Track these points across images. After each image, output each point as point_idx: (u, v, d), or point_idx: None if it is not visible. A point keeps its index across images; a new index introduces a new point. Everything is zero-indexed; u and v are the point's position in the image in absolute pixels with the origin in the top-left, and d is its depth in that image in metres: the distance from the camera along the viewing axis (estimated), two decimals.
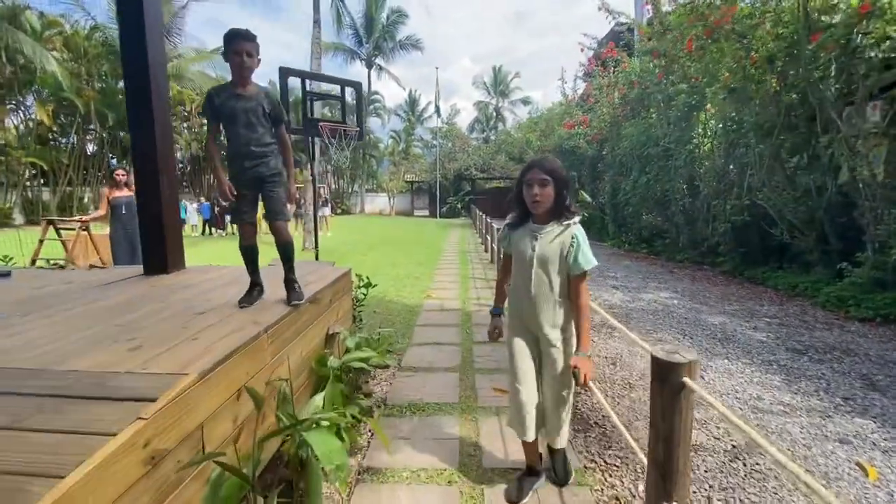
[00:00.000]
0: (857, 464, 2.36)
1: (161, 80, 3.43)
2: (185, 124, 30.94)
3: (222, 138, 2.60)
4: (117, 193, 6.40)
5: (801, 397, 3.14)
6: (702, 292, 6.58)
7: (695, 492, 2.15)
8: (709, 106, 8.60)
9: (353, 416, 2.72)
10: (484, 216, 13.21)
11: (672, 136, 9.23)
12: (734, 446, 2.52)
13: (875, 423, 2.78)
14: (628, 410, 2.99)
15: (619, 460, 2.42)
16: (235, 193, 2.49)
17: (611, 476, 2.29)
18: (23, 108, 22.82)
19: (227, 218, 17.84)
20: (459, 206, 29.89)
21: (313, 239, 12.04)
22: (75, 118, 23.50)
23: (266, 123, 2.51)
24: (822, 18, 6.17)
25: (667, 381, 1.39)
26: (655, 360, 1.45)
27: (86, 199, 23.05)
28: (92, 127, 24.70)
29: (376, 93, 36.89)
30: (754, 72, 6.80)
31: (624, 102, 11.63)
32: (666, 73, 9.11)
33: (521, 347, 2.08)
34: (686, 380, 1.33)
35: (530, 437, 2.05)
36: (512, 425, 2.13)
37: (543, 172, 1.89)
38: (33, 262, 5.72)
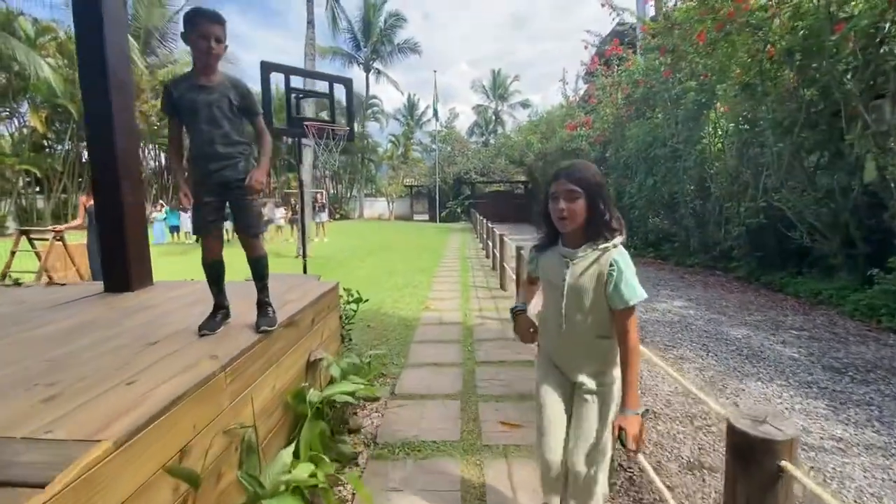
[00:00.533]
0: None
1: (122, 73, 3.06)
2: None
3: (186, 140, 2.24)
4: None
5: (854, 429, 2.73)
6: (718, 300, 6.17)
7: None
8: (719, 104, 8.22)
9: (336, 461, 2.32)
10: (484, 220, 12.83)
11: (680, 135, 8.84)
12: None
13: None
14: (657, 448, 2.58)
15: None
16: (195, 201, 2.13)
17: None
18: (17, 116, 22.53)
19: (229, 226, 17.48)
20: (459, 210, 29.51)
21: (305, 246, 11.71)
22: (70, 125, 23.21)
23: (234, 118, 2.14)
24: (844, 8, 5.81)
25: (754, 463, 0.99)
26: (736, 433, 1.04)
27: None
28: (85, 133, 24.38)
29: (374, 97, 36.62)
30: (770, 66, 6.42)
31: (628, 102, 11.25)
32: (673, 70, 8.73)
33: (550, 394, 1.69)
34: (785, 463, 0.93)
35: (554, 503, 1.66)
36: (541, 484, 1.75)
37: (571, 182, 1.47)
38: (3, 275, 5.33)
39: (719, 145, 8.53)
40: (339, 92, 5.12)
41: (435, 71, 31.39)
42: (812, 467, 2.35)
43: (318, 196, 21.12)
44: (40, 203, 22.91)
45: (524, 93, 66.73)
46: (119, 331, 2.25)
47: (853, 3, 5.76)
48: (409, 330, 4.92)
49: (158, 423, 1.41)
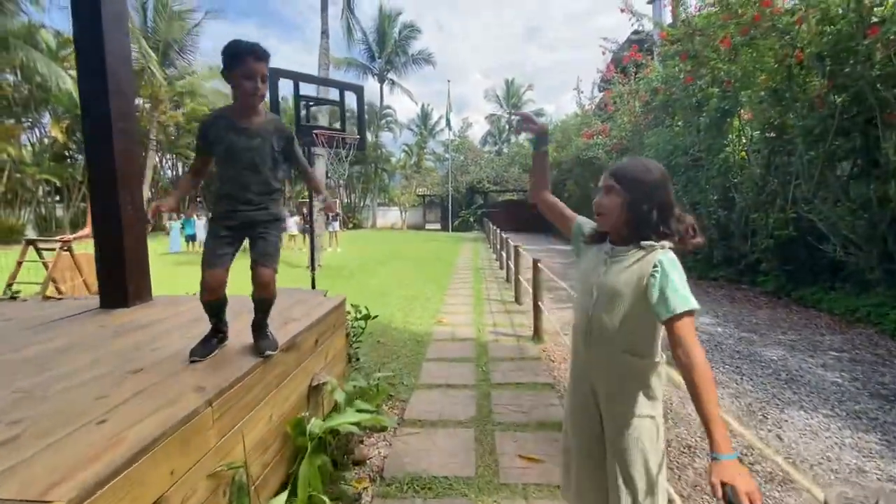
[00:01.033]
0: None
1: (123, 75, 2.93)
2: None
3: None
4: None
5: None
6: (747, 317, 5.84)
7: None
8: (743, 111, 7.92)
9: (337, 500, 2.11)
10: (497, 230, 12.59)
11: (702, 144, 8.54)
12: None
13: None
14: (695, 490, 2.31)
15: None
16: (211, 233, 1.99)
17: None
18: (39, 126, 23.06)
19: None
20: (472, 219, 29.30)
21: (318, 257, 11.58)
22: None
23: (274, 165, 1.97)
24: (875, 12, 5.52)
25: None
26: None
27: None
28: None
29: (388, 107, 36.76)
30: (799, 72, 6.13)
31: (646, 110, 10.99)
32: (694, 76, 8.46)
33: (574, 416, 1.47)
34: None
35: None
36: None
37: (610, 176, 1.34)
38: (9, 286, 5.25)
39: (743, 154, 8.21)
40: (351, 100, 5.02)
41: (449, 81, 31.47)
42: None
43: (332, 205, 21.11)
44: (59, 212, 23.32)
45: (537, 102, 66.64)
46: (104, 354, 2.08)
47: (885, 6, 5.48)
48: (420, 346, 4.69)
49: (127, 473, 1.21)
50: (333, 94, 5.78)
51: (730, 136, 8.36)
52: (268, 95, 4.51)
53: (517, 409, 3.14)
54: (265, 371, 2.00)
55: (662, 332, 1.30)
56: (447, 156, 33.03)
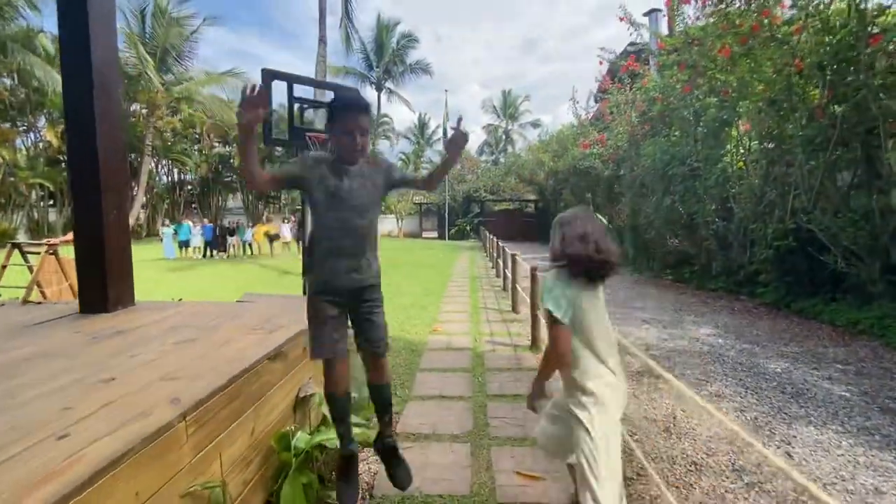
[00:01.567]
0: None
1: (109, 77, 2.83)
2: (195, 147, 31.10)
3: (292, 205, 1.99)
4: None
5: None
6: (747, 328, 5.74)
7: None
8: (741, 121, 7.90)
9: None
10: (494, 238, 12.51)
11: (700, 154, 8.50)
12: None
13: None
14: None
15: None
16: (316, 315, 1.80)
17: None
18: (34, 130, 22.92)
19: (230, 240, 17.37)
20: (468, 227, 29.25)
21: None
22: None
23: (377, 204, 1.87)
24: (877, 22, 5.52)
25: None
26: None
27: None
28: None
29: (385, 115, 36.88)
30: (798, 81, 6.11)
31: (643, 120, 10.98)
32: (692, 86, 8.46)
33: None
34: None
35: None
36: None
37: None
38: None
39: (741, 164, 8.18)
40: None
41: (446, 90, 31.64)
42: None
43: None
44: (53, 216, 23.09)
45: (534, 113, 66.95)
46: (77, 363, 1.95)
47: (886, 15, 5.48)
48: (415, 356, 4.56)
49: (85, 496, 1.09)
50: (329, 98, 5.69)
51: (728, 146, 8.33)
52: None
53: (514, 423, 3.01)
54: (249, 381, 1.88)
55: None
56: None
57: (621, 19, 8.83)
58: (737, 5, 6.83)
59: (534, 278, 4.97)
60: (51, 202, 23.58)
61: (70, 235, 5.54)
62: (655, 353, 4.68)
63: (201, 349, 2.07)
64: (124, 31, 20.95)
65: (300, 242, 12.50)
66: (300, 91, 4.30)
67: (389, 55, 33.68)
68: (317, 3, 12.24)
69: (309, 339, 1.81)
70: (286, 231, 18.15)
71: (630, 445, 2.46)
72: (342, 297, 1.78)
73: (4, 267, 5.31)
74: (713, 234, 8.45)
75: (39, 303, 3.42)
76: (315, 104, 4.60)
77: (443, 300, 7.79)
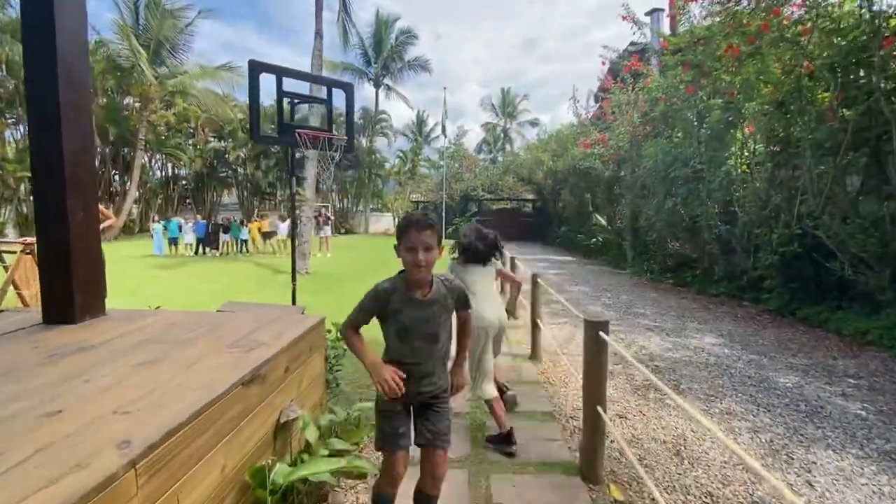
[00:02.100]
0: None
1: (77, 64, 2.59)
2: (189, 141, 30.70)
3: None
4: None
5: None
6: (752, 337, 5.56)
7: None
8: (746, 123, 7.72)
9: None
10: None
11: (704, 156, 8.32)
12: None
13: None
14: None
15: None
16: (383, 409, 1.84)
17: None
18: (23, 123, 22.47)
19: (223, 237, 17.07)
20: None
21: (307, 263, 11.21)
22: None
23: (449, 322, 1.89)
24: (889, 23, 5.34)
25: None
26: None
27: None
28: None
29: (383, 112, 36.52)
30: (808, 83, 5.93)
31: (645, 120, 10.79)
32: (696, 87, 8.26)
33: None
34: None
35: None
36: None
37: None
38: None
39: (744, 167, 8.00)
40: (340, 101, 4.68)
41: (445, 87, 31.40)
42: None
43: (323, 210, 20.73)
44: None
45: (533, 112, 66.67)
46: (25, 388, 1.72)
47: None
48: None
49: None
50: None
51: (732, 148, 8.15)
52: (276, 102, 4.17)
53: (516, 446, 2.80)
54: (219, 411, 1.65)
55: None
56: (441, 163, 32.82)
57: (624, 18, 8.62)
58: (745, 3, 6.64)
59: (535, 285, 4.76)
60: None
61: None
62: (660, 365, 4.49)
63: (167, 372, 1.85)
64: (117, 23, 20.57)
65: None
66: (291, 86, 4.08)
67: (388, 51, 33.30)
68: None
69: (376, 428, 1.85)
70: (283, 229, 17.84)
71: (639, 473, 2.26)
72: (411, 402, 1.83)
73: None
74: (716, 238, 8.28)
75: (1, 311, 3.18)
76: (306, 99, 4.34)
77: None
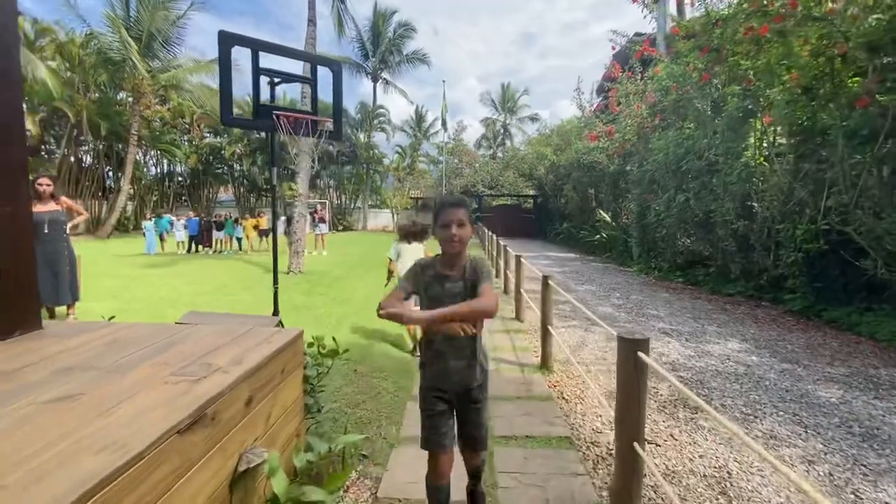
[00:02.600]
0: None
1: (9, 53, 2.12)
2: (184, 137, 30.13)
3: None
4: (40, 208, 5.15)
5: None
6: (779, 342, 5.12)
7: None
8: (765, 112, 7.25)
9: None
10: (494, 237, 11.84)
11: (719, 147, 7.85)
12: None
13: None
14: None
15: None
16: (425, 409, 1.90)
17: None
18: None
19: (216, 234, 16.59)
20: None
21: (300, 262, 10.74)
22: (67, 129, 22.67)
23: None
24: None
25: None
26: None
27: None
28: (83, 137, 23.87)
29: (381, 107, 35.90)
30: (841, 66, 5.46)
31: (654, 111, 10.31)
32: (711, 74, 7.79)
33: None
34: None
35: None
36: None
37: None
38: None
39: (762, 159, 7.53)
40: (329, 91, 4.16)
41: (444, 80, 30.83)
42: None
43: (319, 207, 20.24)
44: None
45: (532, 107, 65.98)
46: None
47: None
48: (405, 377, 3.91)
49: None
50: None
51: (750, 139, 7.68)
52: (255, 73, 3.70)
53: (530, 482, 2.36)
54: (135, 478, 1.20)
55: None
56: (441, 158, 32.31)
57: (634, 1, 8.12)
58: None
59: (546, 287, 4.30)
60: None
61: None
62: (685, 376, 4.04)
63: (78, 416, 1.40)
64: (107, 14, 19.99)
65: (289, 237, 11.81)
66: (269, 62, 3.59)
67: (386, 44, 32.71)
68: None
69: (421, 428, 1.90)
70: (281, 226, 17.35)
71: None
72: (449, 395, 1.87)
73: None
74: (732, 235, 7.82)
75: None
76: (288, 77, 3.84)
77: None
